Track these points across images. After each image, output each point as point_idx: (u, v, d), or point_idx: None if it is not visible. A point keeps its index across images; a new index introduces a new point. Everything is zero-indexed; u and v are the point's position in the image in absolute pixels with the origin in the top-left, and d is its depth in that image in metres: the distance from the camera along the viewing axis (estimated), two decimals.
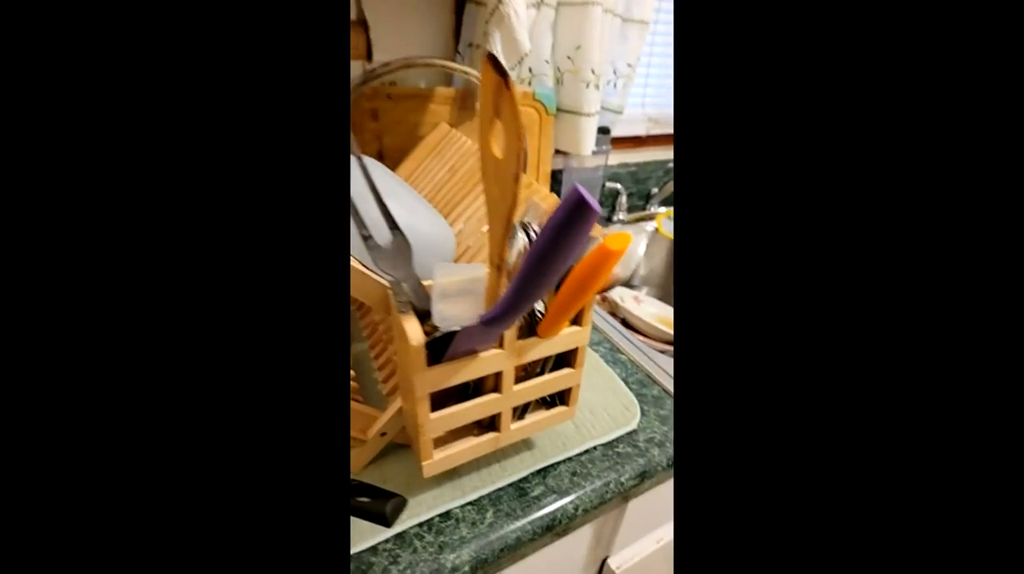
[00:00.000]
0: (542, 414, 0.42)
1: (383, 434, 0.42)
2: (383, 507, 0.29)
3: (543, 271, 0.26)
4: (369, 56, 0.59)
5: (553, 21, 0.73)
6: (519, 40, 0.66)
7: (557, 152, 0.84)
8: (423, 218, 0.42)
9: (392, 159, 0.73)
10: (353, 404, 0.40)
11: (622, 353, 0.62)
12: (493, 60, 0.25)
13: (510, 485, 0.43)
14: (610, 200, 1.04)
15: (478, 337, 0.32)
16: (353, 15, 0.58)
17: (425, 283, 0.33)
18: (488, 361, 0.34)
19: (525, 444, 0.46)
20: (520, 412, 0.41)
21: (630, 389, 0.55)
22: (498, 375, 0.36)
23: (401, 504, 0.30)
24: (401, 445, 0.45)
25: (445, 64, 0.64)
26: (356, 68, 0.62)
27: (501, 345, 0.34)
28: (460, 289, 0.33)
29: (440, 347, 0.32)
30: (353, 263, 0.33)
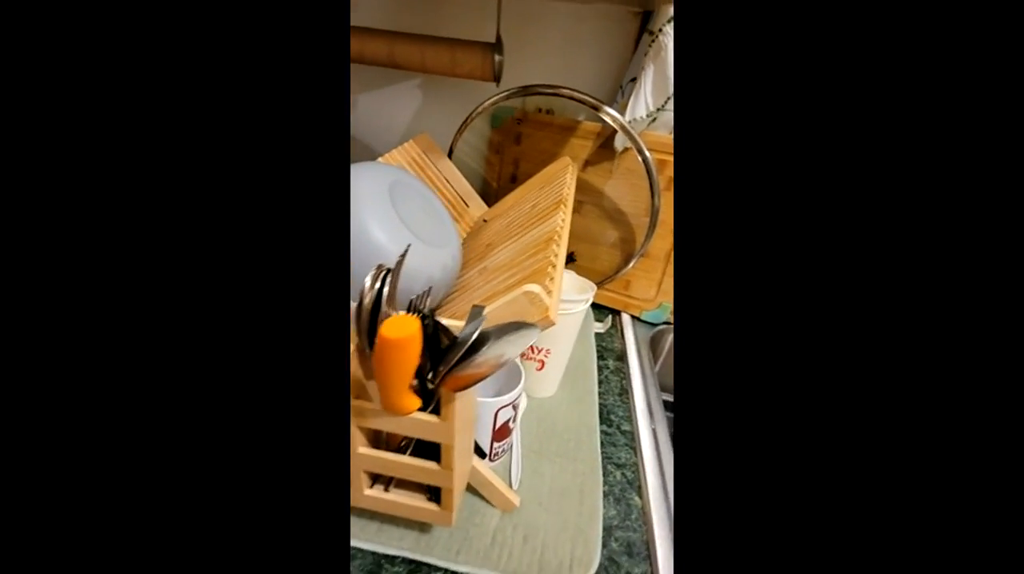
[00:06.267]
0: (407, 498, 0.35)
1: None
2: None
3: None
4: (496, 79, 0.60)
5: None
6: (669, 76, 0.54)
7: None
8: (423, 231, 0.41)
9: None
10: None
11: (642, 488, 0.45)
12: None
13: (371, 552, 0.38)
14: None
15: None
16: (493, 37, 0.59)
17: None
18: None
19: (419, 524, 0.39)
20: (387, 483, 0.35)
21: (612, 542, 0.40)
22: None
23: None
24: None
25: (573, 95, 0.58)
26: (497, 87, 0.63)
27: None
28: None
29: None
30: None
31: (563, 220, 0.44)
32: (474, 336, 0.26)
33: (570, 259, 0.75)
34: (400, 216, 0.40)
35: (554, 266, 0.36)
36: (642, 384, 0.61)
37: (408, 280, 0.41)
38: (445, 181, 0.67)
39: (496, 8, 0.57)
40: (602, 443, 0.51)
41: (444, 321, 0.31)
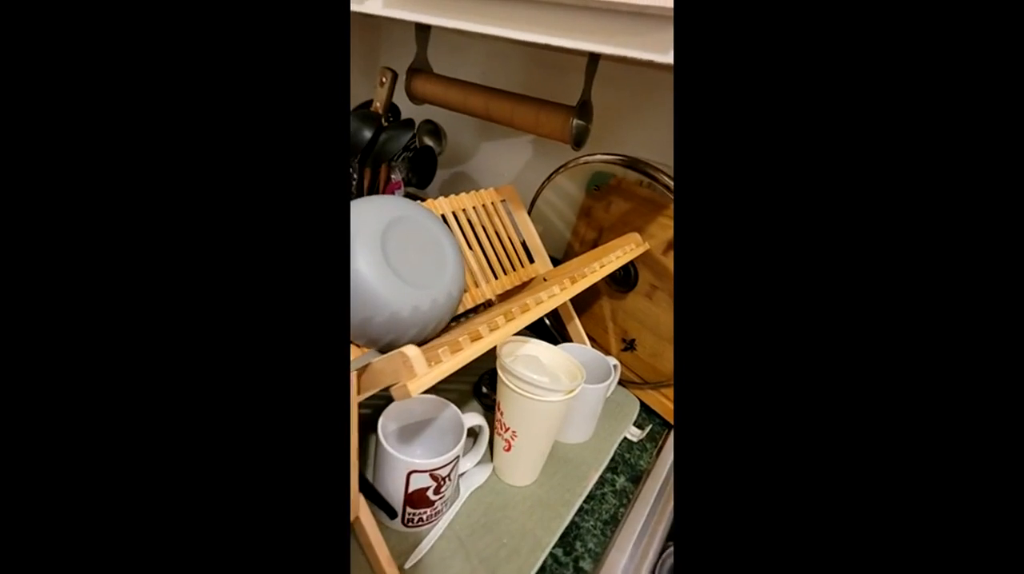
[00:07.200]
0: None
1: None
2: None
3: None
4: (576, 144, 0.58)
5: None
6: None
7: None
8: (406, 270, 0.42)
9: None
10: None
11: None
12: None
13: None
14: None
15: None
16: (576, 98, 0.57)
17: None
18: None
19: None
20: None
21: None
22: None
23: None
24: None
25: (639, 166, 0.52)
26: (575, 150, 0.61)
27: None
28: None
29: None
30: None
31: (548, 296, 0.40)
32: None
33: (629, 347, 0.65)
34: (384, 251, 0.42)
35: (476, 339, 0.32)
36: (644, 524, 0.48)
37: (369, 309, 0.41)
38: (515, 232, 0.67)
39: (584, 73, 0.56)
40: (541, 570, 0.42)
41: None
